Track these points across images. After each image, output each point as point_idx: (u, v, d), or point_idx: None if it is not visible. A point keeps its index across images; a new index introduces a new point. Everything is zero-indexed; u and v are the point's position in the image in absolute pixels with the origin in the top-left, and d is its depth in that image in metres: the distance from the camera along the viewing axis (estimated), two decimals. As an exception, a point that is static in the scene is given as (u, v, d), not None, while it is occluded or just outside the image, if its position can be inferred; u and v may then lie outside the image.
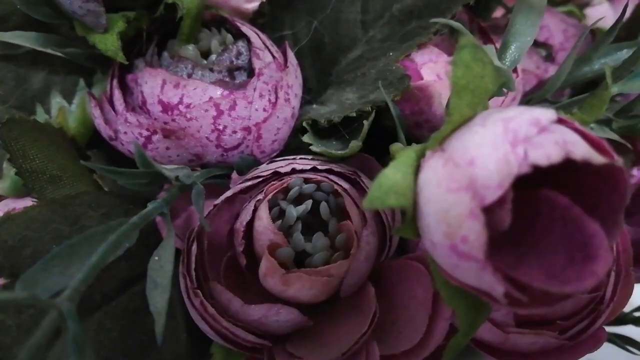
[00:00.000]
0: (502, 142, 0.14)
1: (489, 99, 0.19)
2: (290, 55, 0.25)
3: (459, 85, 0.15)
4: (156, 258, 0.19)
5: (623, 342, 0.34)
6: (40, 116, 0.27)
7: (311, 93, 0.28)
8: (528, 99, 0.29)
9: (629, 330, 0.34)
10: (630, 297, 0.26)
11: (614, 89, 0.25)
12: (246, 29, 0.25)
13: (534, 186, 0.17)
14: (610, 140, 0.29)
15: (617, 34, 0.32)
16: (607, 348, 0.33)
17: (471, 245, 0.14)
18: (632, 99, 0.27)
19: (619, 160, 0.15)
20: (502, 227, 0.15)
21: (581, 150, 0.14)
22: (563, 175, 0.16)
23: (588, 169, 0.15)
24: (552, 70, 0.33)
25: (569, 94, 0.33)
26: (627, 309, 0.35)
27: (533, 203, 0.17)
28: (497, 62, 0.17)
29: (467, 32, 0.19)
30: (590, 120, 0.17)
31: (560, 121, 0.15)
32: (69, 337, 0.13)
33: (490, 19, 0.34)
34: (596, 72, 0.29)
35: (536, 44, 0.36)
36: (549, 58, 0.35)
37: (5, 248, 0.21)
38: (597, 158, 0.14)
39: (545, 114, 0.15)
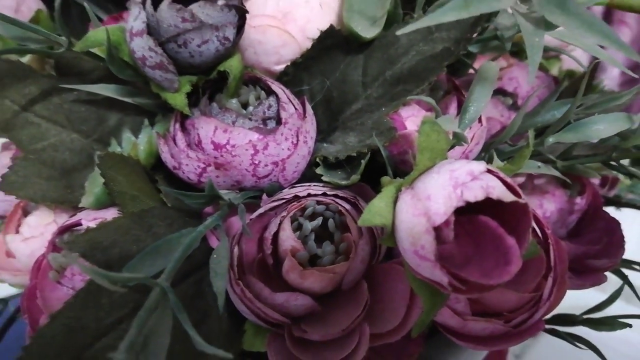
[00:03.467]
0: (448, 185, 0.22)
1: (450, 150, 0.26)
2: (308, 107, 0.31)
3: (422, 146, 0.23)
4: (215, 256, 0.26)
5: (574, 339, 0.40)
6: (114, 147, 0.33)
7: (322, 134, 0.32)
8: (491, 142, 0.36)
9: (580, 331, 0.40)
10: (563, 298, 0.31)
11: (551, 140, 0.32)
12: (275, 86, 0.31)
13: (477, 213, 0.24)
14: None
15: (578, 86, 0.39)
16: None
17: (426, 251, 0.22)
18: (570, 146, 0.34)
19: (524, 199, 0.22)
20: (448, 240, 0.22)
21: (497, 192, 0.21)
22: (498, 207, 0.23)
23: (508, 204, 0.23)
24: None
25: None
26: (578, 312, 0.42)
27: (476, 225, 0.24)
28: (452, 127, 0.25)
29: (435, 104, 0.26)
30: (515, 169, 0.24)
31: (489, 171, 0.23)
32: (170, 304, 0.21)
33: (466, 74, 0.41)
34: (545, 122, 0.36)
35: (504, 93, 0.42)
36: (514, 106, 0.42)
37: (101, 247, 0.27)
38: (508, 197, 0.22)
39: (479, 167, 0.22)
